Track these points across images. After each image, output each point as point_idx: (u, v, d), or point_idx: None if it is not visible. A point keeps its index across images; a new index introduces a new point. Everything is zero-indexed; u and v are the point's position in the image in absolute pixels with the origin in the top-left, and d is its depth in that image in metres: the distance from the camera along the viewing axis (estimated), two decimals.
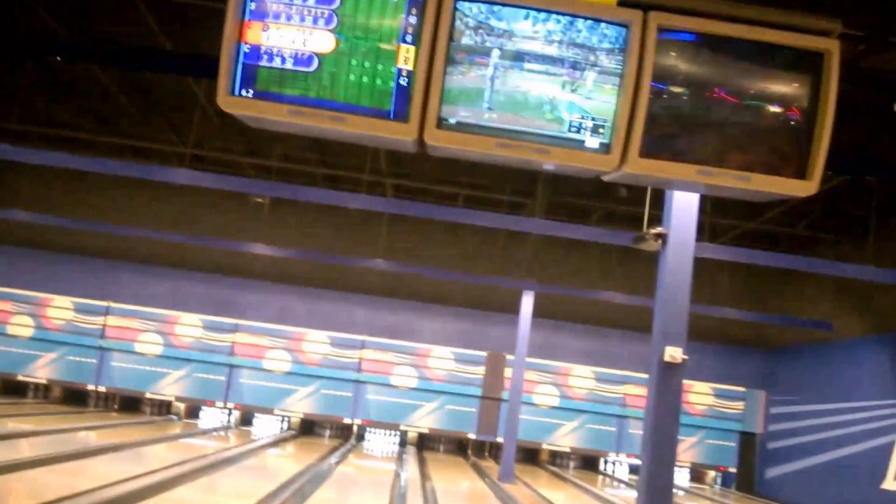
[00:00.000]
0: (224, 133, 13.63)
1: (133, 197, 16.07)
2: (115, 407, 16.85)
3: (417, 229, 17.16)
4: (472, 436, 16.93)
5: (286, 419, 16.93)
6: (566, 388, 17.16)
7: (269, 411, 16.63)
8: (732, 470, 17.33)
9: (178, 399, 16.58)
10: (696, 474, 17.99)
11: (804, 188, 3.26)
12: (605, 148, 3.19)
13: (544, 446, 17.10)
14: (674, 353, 5.60)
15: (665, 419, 5.57)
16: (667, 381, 5.62)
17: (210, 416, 16.91)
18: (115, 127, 14.22)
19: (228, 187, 11.39)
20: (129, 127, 14.09)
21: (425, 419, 16.82)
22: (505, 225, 12.10)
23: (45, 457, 8.72)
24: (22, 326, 16.37)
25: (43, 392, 16.91)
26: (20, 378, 16.32)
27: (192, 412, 17.00)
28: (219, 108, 3.20)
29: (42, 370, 16.30)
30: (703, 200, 6.11)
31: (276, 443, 14.70)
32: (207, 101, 11.31)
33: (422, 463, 14.16)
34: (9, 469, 7.70)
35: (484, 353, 17.13)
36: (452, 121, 3.15)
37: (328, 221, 17.13)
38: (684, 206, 5.84)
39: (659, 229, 5.99)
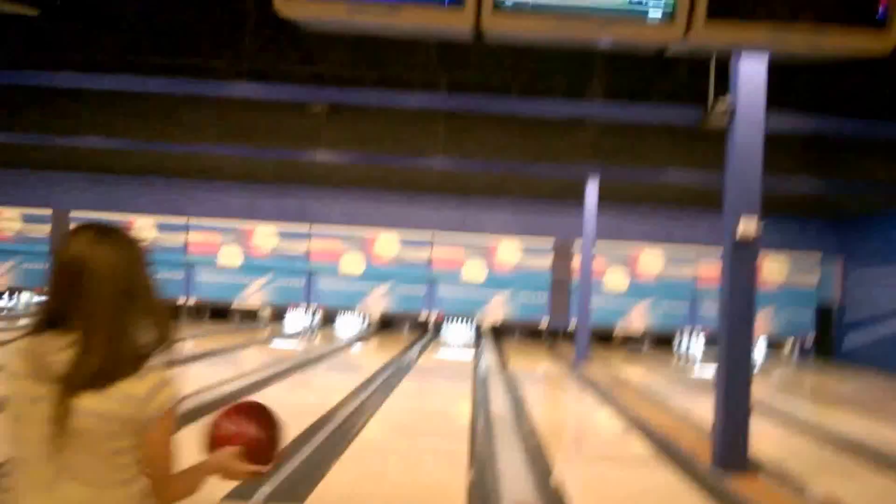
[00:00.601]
0: (278, 45, 13.63)
1: (197, 116, 16.37)
2: (206, 317, 17.96)
3: (475, 123, 17.01)
4: (544, 323, 17.33)
5: (366, 317, 17.70)
6: (636, 271, 17.24)
7: (349, 311, 17.38)
8: (810, 339, 17.32)
9: (263, 305, 17.51)
10: (773, 346, 18.06)
11: (881, 40, 3.15)
12: (669, 17, 3.13)
13: (617, 329, 17.39)
14: (747, 228, 5.59)
15: (741, 295, 5.61)
16: (741, 256, 5.63)
17: (294, 320, 17.83)
18: (171, 47, 14.38)
19: (287, 97, 11.50)
20: (185, 47, 14.24)
21: (498, 310, 17.27)
22: (564, 111, 11.92)
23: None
24: None
25: None
26: None
27: (278, 317, 17.96)
28: (273, 16, 3.25)
29: None
30: (768, 72, 5.89)
31: (359, 340, 15.41)
32: (259, 15, 11.28)
33: (498, 351, 14.67)
34: None
35: (551, 242, 17.27)
36: (509, 3, 3.14)
37: (386, 124, 17.14)
38: (751, 77, 5.66)
39: (727, 104, 5.85)
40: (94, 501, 1.41)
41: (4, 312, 16.54)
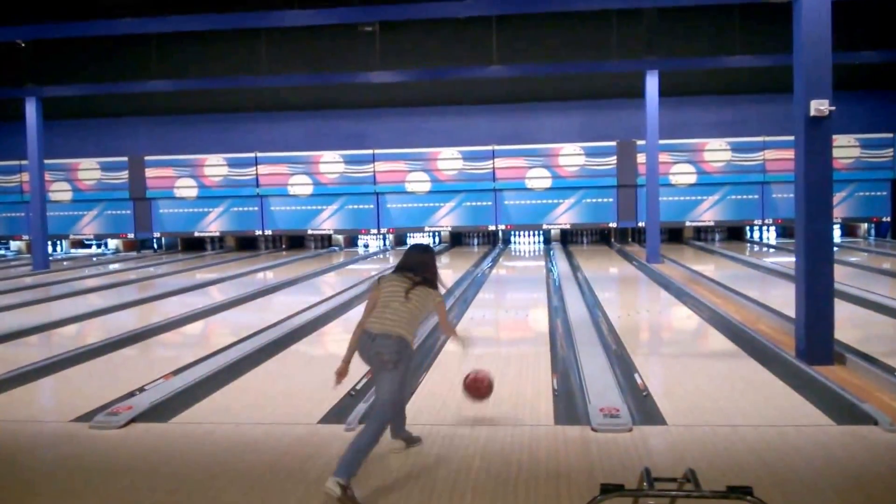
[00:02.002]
0: None
1: (253, 49, 16.48)
2: (283, 247, 18.64)
3: (527, 26, 16.60)
4: (613, 224, 17.29)
5: (437, 234, 18.01)
6: (702, 164, 16.89)
7: (419, 230, 17.70)
8: (886, 219, 16.79)
9: (337, 231, 18.01)
10: (848, 228, 17.58)
11: None
12: None
13: (687, 224, 17.22)
14: (820, 106, 5.42)
15: (817, 176, 5.49)
16: (815, 137, 5.49)
17: (367, 243, 18.36)
18: None
19: (336, 20, 11.40)
20: None
21: (565, 216, 17.28)
22: (616, 3, 11.45)
23: (234, 298, 9.93)
24: (186, 188, 17.98)
25: (218, 243, 18.89)
26: (196, 234, 18.23)
27: (351, 242, 18.52)
28: None
29: (213, 224, 18.07)
30: None
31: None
32: None
33: (569, 256, 14.78)
34: (209, 312, 8.89)
35: (614, 143, 17.00)
36: None
37: (438, 37, 16.92)
38: None
39: None
40: (405, 319, 3.65)
41: (95, 259, 17.51)
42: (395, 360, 3.53)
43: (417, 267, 3.81)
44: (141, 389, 5.17)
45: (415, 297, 3.68)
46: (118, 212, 18.33)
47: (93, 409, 4.70)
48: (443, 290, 3.89)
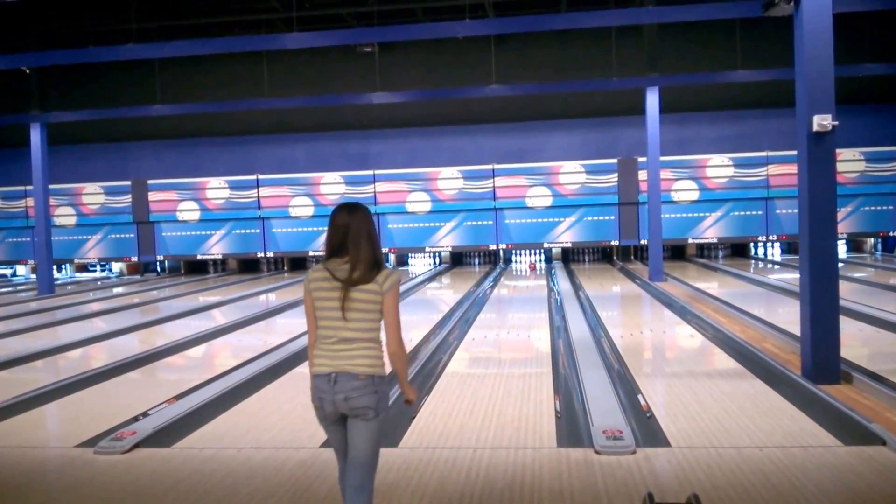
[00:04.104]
0: None
1: (255, 72, 16.60)
2: (285, 269, 18.64)
3: (526, 45, 16.73)
4: (615, 242, 17.26)
5: (437, 255, 18.00)
6: (705, 180, 16.88)
7: (420, 250, 17.69)
8: (893, 234, 16.73)
9: None
10: (855, 244, 17.52)
11: None
12: None
13: (690, 241, 17.18)
14: (823, 121, 5.40)
15: (821, 191, 5.45)
16: (818, 152, 5.45)
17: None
18: (221, 7, 14.55)
19: (336, 42, 11.50)
20: (237, 3, 14.40)
21: (566, 234, 17.27)
22: (616, 21, 11.54)
23: (237, 321, 9.89)
24: (189, 211, 18.03)
25: (221, 266, 18.92)
26: (199, 257, 18.25)
27: None
28: None
29: (216, 247, 18.09)
30: None
31: (433, 277, 15.72)
32: None
33: (570, 275, 14.73)
34: (212, 336, 8.87)
35: (615, 160, 17.02)
36: None
37: (437, 57, 17.04)
38: None
39: None
40: (359, 335, 2.72)
41: (100, 282, 17.52)
42: (375, 409, 2.72)
43: (345, 245, 2.73)
44: (144, 414, 5.18)
45: (356, 308, 2.71)
46: (122, 235, 18.39)
47: (97, 434, 4.71)
48: (395, 273, 2.79)
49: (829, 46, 5.48)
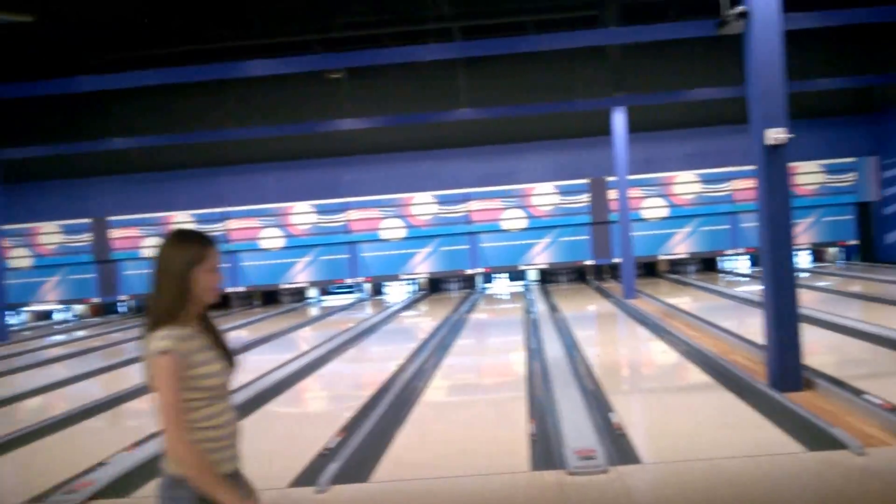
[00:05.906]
0: (287, 16, 13.64)
1: (218, 102, 16.51)
2: (256, 303, 18.29)
3: (493, 69, 16.91)
4: (589, 262, 17.38)
5: (414, 282, 17.94)
6: (673, 197, 17.11)
7: (395, 278, 17.64)
8: (853, 243, 17.08)
9: (311, 284, 17.82)
10: (818, 254, 17.83)
11: None
12: None
13: (661, 257, 17.35)
14: (777, 135, 5.54)
15: (777, 203, 5.58)
16: (773, 165, 5.59)
17: (343, 293, 18.15)
18: (184, 35, 14.50)
19: (303, 68, 11.48)
20: (195, 32, 14.35)
21: (541, 255, 17.35)
22: (580, 42, 11.69)
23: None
24: (153, 248, 17.68)
25: None
26: None
27: (327, 292, 18.29)
28: None
29: None
30: None
31: (410, 305, 15.66)
32: None
33: (546, 295, 14.79)
34: None
35: (586, 181, 17.20)
36: None
37: (406, 82, 17.13)
38: None
39: (740, 8, 5.75)
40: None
41: (61, 325, 17.01)
42: None
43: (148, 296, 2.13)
44: (101, 464, 4.98)
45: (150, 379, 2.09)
46: (82, 276, 17.97)
47: (52, 487, 4.52)
48: (162, 339, 2.09)
49: (780, 61, 5.63)
